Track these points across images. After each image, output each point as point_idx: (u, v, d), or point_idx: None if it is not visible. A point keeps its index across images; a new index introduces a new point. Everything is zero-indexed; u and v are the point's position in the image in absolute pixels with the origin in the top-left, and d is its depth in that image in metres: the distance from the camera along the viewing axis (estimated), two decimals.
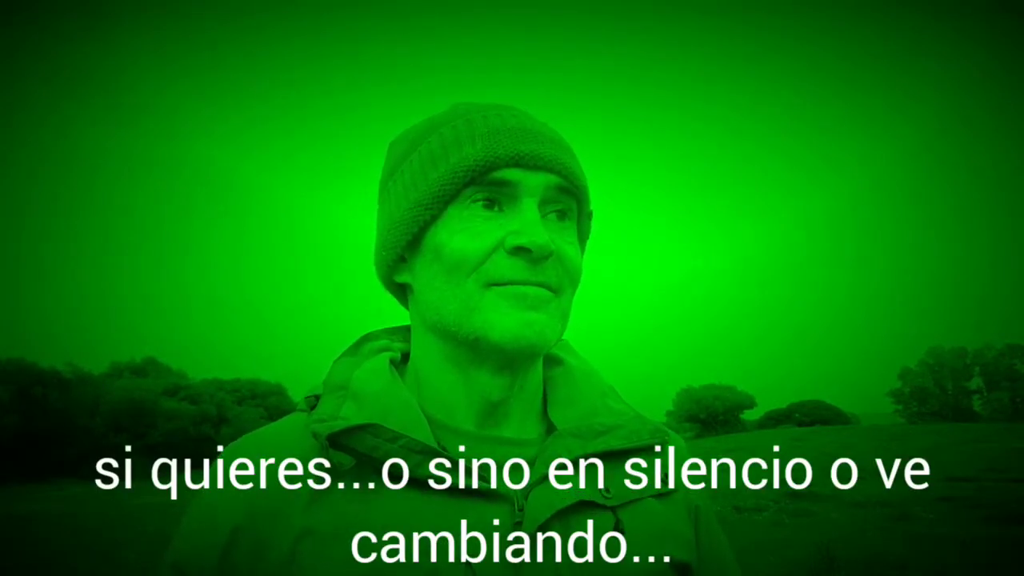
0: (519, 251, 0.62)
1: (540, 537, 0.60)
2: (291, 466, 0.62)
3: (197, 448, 32.50)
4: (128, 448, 31.39)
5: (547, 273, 0.63)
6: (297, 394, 0.70)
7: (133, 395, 33.57)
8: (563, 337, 0.77)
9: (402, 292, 0.74)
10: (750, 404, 54.95)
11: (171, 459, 32.40)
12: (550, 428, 0.71)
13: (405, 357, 0.75)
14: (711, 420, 52.84)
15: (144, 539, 8.76)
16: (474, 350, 0.64)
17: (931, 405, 57.87)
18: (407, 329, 0.77)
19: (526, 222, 0.62)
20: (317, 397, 0.67)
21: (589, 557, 0.61)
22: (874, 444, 21.50)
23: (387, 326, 0.79)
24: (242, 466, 0.63)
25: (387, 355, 0.71)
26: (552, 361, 0.77)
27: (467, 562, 0.57)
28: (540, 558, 0.59)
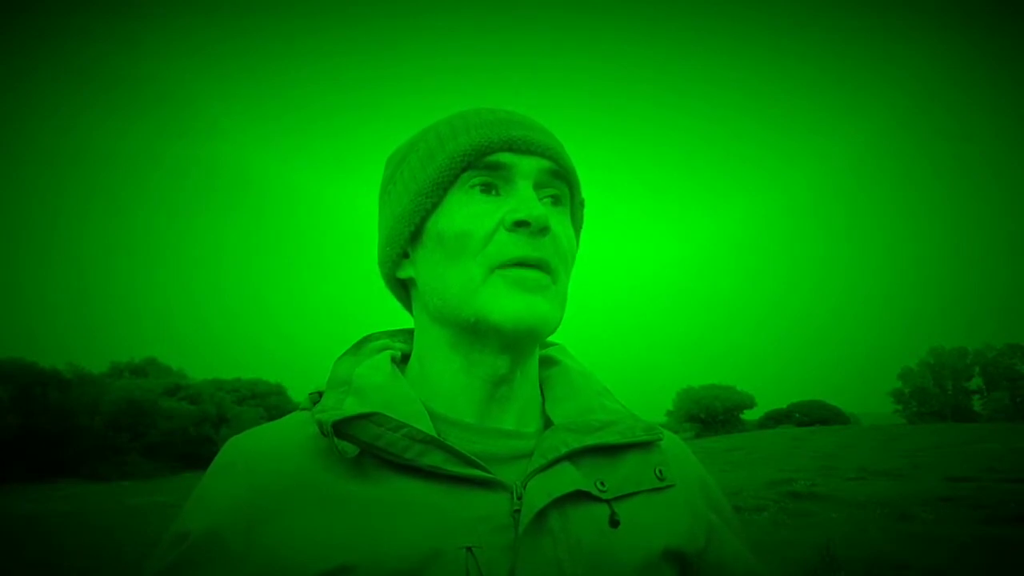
0: (519, 226, 0.64)
1: (538, 524, 0.61)
2: (294, 457, 0.63)
3: (197, 448, 32.45)
4: (128, 448, 31.41)
5: (546, 248, 0.65)
6: (297, 394, 0.71)
7: (133, 395, 33.51)
8: (560, 341, 0.78)
9: (405, 291, 0.76)
10: (750, 404, 54.93)
11: (171, 459, 32.41)
12: (547, 424, 0.72)
13: (405, 358, 0.76)
14: (711, 420, 52.84)
15: (144, 539, 8.75)
16: (476, 333, 0.66)
17: (931, 405, 57.87)
18: (407, 332, 0.79)
19: (522, 199, 0.65)
20: (320, 394, 0.69)
21: (585, 546, 0.62)
22: (874, 444, 21.51)
23: (389, 327, 0.80)
24: (246, 455, 0.63)
25: (388, 353, 0.73)
26: (548, 362, 0.79)
27: (468, 547, 0.58)
28: (537, 545, 0.60)
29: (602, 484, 0.66)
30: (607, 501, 0.66)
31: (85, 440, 30.07)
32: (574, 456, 0.67)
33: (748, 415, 55.42)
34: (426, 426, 0.63)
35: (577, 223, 0.76)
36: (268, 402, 40.02)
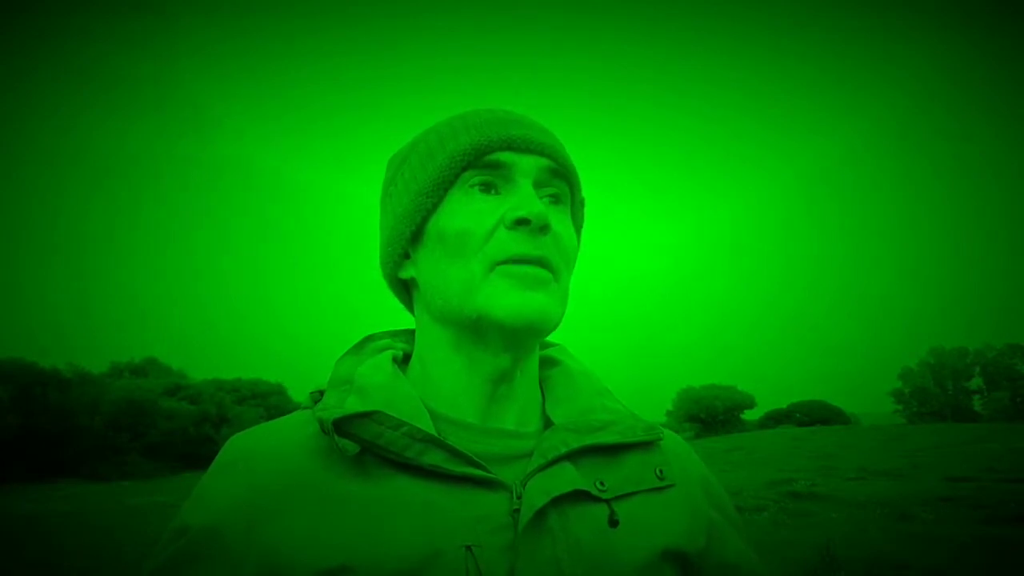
0: (519, 224, 0.64)
1: (537, 524, 0.61)
2: (295, 456, 0.63)
3: (197, 448, 32.41)
4: (128, 448, 31.40)
5: (546, 246, 0.66)
6: (298, 394, 0.71)
7: (133, 395, 33.45)
8: (560, 341, 0.78)
9: (406, 292, 0.76)
10: (750, 404, 54.85)
11: (171, 459, 32.37)
12: (548, 423, 0.72)
13: (407, 358, 0.76)
14: (711, 420, 52.78)
15: (144, 539, 8.75)
16: (477, 331, 0.66)
17: (931, 405, 57.87)
18: (409, 332, 0.79)
19: (523, 197, 0.66)
20: (321, 393, 0.69)
21: (584, 546, 0.62)
22: (874, 444, 21.51)
23: (391, 327, 0.80)
24: (247, 455, 0.64)
25: (389, 352, 0.73)
26: (549, 362, 0.79)
27: (467, 546, 0.59)
28: (537, 544, 0.60)
29: (602, 484, 0.67)
30: (606, 501, 0.66)
31: (85, 440, 30.04)
32: (574, 456, 0.67)
33: (748, 415, 55.39)
34: (427, 425, 0.64)
35: (578, 222, 0.76)
36: (269, 402, 39.91)
